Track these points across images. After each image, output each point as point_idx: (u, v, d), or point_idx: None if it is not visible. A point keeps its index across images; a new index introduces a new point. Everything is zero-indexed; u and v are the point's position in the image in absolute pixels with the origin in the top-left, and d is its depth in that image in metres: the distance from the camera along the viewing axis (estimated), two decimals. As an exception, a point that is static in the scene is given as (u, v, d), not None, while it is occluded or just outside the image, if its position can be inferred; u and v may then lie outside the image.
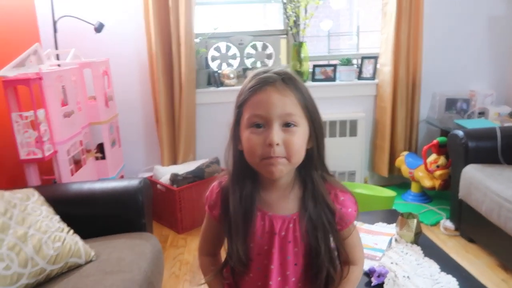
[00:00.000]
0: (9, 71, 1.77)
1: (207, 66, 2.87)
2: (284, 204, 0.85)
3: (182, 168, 2.58)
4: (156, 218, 2.55)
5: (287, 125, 0.77)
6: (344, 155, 2.86)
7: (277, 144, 0.75)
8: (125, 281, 1.22)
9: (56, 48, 2.44)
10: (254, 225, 0.83)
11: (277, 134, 0.75)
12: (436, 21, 2.79)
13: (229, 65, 2.89)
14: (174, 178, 2.43)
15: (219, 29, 2.86)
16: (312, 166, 0.84)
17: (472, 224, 2.17)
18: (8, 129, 1.77)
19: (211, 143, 2.82)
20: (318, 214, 0.82)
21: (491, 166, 2.11)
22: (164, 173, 2.55)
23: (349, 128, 2.83)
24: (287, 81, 0.78)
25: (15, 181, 1.93)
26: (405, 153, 2.78)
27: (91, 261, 1.35)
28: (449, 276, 1.32)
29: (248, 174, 0.83)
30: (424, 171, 2.60)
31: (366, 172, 3.03)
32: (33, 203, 1.36)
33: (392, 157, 2.88)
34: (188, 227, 2.50)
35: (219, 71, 2.84)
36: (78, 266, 1.31)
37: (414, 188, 2.78)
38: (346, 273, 0.89)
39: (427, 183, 2.59)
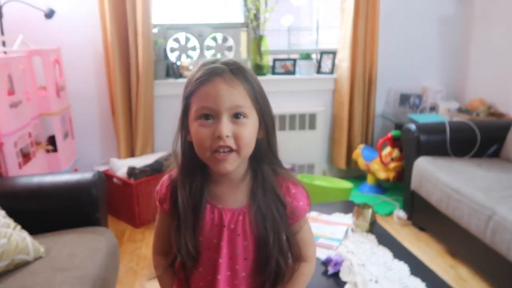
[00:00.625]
0: None
1: (166, 57, 2.80)
2: (234, 196, 0.83)
3: (140, 161, 2.51)
4: (113, 213, 2.47)
5: (236, 116, 0.75)
6: (303, 148, 2.90)
7: (227, 136, 0.74)
8: (77, 277, 1.17)
9: (2, 34, 2.29)
10: (203, 219, 0.82)
11: (226, 126, 0.73)
12: (391, 20, 2.89)
13: (188, 56, 2.84)
14: (131, 172, 2.36)
15: (178, 20, 2.80)
16: (261, 157, 0.83)
17: (423, 213, 2.27)
18: None
19: (170, 135, 2.66)
20: (268, 205, 0.81)
21: (441, 158, 2.22)
22: (121, 166, 2.48)
23: (308, 121, 2.88)
24: (236, 72, 0.76)
25: (-44, 175, 1.80)
26: (362, 146, 2.87)
27: (40, 257, 1.28)
28: (401, 263, 1.38)
29: (197, 166, 0.81)
30: (379, 164, 2.69)
31: (325, 165, 3.09)
32: (-25, 198, 1.27)
33: (350, 150, 2.96)
34: (146, 221, 2.44)
35: (178, 63, 2.78)
36: (26, 263, 1.24)
37: (370, 180, 2.87)
38: (297, 269, 0.88)
39: (382, 175, 2.69)
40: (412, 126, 2.32)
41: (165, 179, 0.87)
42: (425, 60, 3.06)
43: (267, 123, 0.81)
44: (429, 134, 2.29)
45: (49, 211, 1.50)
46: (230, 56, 2.88)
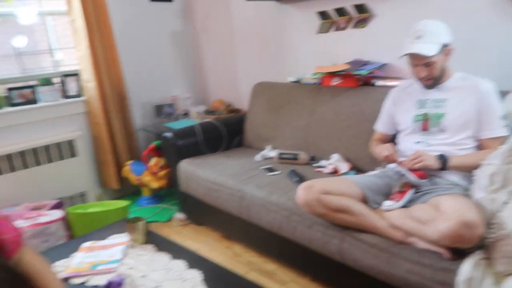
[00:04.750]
0: None
1: None
2: None
3: None
4: None
5: None
6: (69, 178, 2.71)
7: None
8: None
9: None
10: None
11: None
12: (127, 37, 2.99)
13: None
14: None
15: None
16: None
17: (196, 210, 2.50)
18: None
19: None
20: None
21: (198, 158, 2.50)
22: None
23: (66, 149, 2.69)
24: None
25: None
26: (130, 162, 2.90)
27: None
28: (180, 261, 1.51)
29: None
30: (150, 175, 2.79)
31: (98, 189, 2.97)
32: None
33: (119, 168, 2.94)
34: None
35: None
36: None
37: (145, 192, 2.94)
38: None
39: (155, 184, 2.80)
40: (169, 134, 2.51)
41: None
42: (169, 72, 3.33)
43: None
44: (184, 139, 2.53)
45: None
46: None
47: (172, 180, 2.70)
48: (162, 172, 2.77)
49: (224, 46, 3.22)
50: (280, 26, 2.74)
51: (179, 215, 2.64)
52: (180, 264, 1.49)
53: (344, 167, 2.03)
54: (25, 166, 2.56)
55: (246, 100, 2.93)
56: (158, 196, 2.99)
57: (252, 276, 1.98)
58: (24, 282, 0.82)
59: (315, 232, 1.68)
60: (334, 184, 1.62)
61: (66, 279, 1.44)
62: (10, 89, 2.60)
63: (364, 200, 1.61)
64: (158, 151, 2.78)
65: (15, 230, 0.84)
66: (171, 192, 2.99)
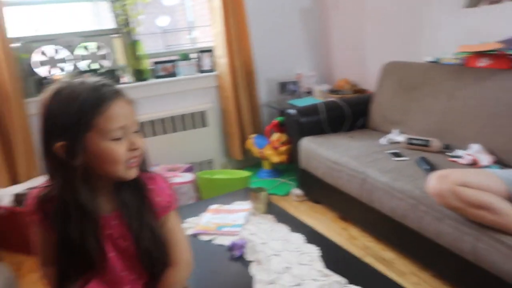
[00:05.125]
0: None
1: (34, 72, 2.59)
2: (107, 204, 0.90)
3: (26, 187, 2.30)
4: (3, 246, 2.24)
5: (136, 131, 0.86)
6: (199, 146, 2.97)
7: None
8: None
9: None
10: (90, 231, 0.86)
11: (138, 139, 0.85)
12: (258, 15, 3.07)
13: (61, 69, 2.66)
14: (19, 199, 2.17)
15: (43, 31, 2.60)
16: None
17: (314, 188, 2.51)
18: None
19: None
20: (132, 205, 0.89)
21: (320, 136, 2.48)
22: (4, 196, 2.24)
23: (199, 119, 2.94)
24: (122, 92, 0.85)
25: None
26: (253, 135, 3.03)
27: None
28: (298, 234, 1.54)
29: (76, 185, 0.83)
30: (271, 149, 2.88)
31: (223, 158, 3.20)
32: None
33: (243, 141, 3.10)
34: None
35: (50, 77, 2.60)
36: None
37: (265, 165, 3.06)
38: (165, 275, 0.94)
39: (275, 159, 2.88)
40: (292, 111, 2.54)
41: (29, 196, 0.90)
42: (295, 49, 3.35)
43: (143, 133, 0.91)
44: (307, 116, 2.53)
45: None
46: (105, 64, 2.78)
47: (292, 156, 2.75)
48: (283, 148, 2.84)
49: (353, 24, 3.09)
50: (419, 0, 2.51)
51: (297, 191, 2.69)
52: (298, 237, 1.52)
53: (485, 159, 1.80)
54: (164, 131, 2.87)
55: (372, 80, 2.79)
56: (278, 170, 3.08)
57: (368, 261, 1.92)
58: (163, 244, 0.91)
59: (445, 226, 1.53)
60: (474, 177, 1.45)
61: (195, 235, 1.59)
62: (156, 63, 2.93)
63: (510, 199, 1.41)
64: (280, 127, 2.85)
65: (169, 194, 0.93)
66: (290, 168, 3.03)
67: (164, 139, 2.86)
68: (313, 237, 1.52)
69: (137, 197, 0.89)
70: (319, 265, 1.33)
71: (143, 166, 0.92)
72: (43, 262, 0.96)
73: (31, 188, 2.22)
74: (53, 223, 0.86)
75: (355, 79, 3.13)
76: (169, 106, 2.91)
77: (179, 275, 0.96)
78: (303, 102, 2.91)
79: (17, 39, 2.49)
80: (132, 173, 0.86)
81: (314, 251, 1.42)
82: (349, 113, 2.59)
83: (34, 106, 2.50)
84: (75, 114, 0.79)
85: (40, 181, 2.34)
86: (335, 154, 2.19)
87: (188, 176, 2.53)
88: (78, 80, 0.82)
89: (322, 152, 2.28)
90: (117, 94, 0.83)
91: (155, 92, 2.88)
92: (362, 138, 2.39)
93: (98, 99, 0.79)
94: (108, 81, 0.85)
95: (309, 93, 3.19)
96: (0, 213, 2.20)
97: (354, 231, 2.21)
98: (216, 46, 2.96)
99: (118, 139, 0.82)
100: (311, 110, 2.57)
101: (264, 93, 3.25)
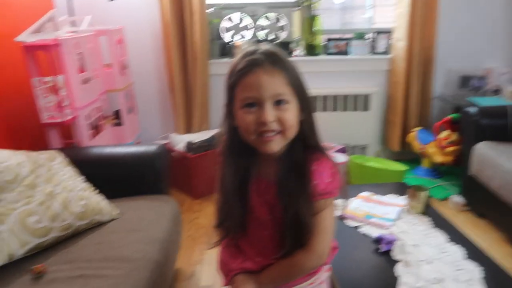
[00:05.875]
0: (28, 37, 1.80)
1: (220, 37, 2.87)
2: (271, 170, 0.89)
3: (197, 137, 2.63)
4: (172, 184, 2.63)
5: (278, 103, 0.81)
6: (356, 129, 2.89)
7: (271, 121, 0.80)
8: (147, 238, 1.29)
9: (72, 15, 2.44)
10: (249, 188, 0.89)
11: (269, 113, 0.80)
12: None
13: (242, 36, 2.88)
14: (190, 146, 2.49)
15: (233, 0, 2.84)
16: (299, 138, 0.88)
17: (482, 200, 2.19)
18: (29, 94, 1.82)
19: None
20: (290, 180, 0.86)
21: (502, 144, 2.12)
22: (179, 141, 2.61)
23: (361, 102, 2.84)
24: (275, 62, 0.81)
25: (37, 144, 1.99)
26: (417, 129, 2.79)
27: (114, 219, 1.41)
28: (457, 247, 1.37)
29: (242, 147, 0.87)
30: (436, 147, 2.62)
31: (378, 146, 3.05)
32: (58, 164, 1.42)
33: (404, 132, 2.89)
34: (203, 193, 2.57)
35: (232, 42, 2.84)
36: (103, 223, 1.38)
37: (425, 163, 2.80)
38: (293, 255, 0.90)
39: (438, 158, 2.61)
40: (472, 109, 2.22)
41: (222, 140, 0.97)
42: (490, 39, 2.88)
43: (306, 107, 0.86)
44: (490, 118, 2.18)
45: (118, 179, 1.64)
46: (282, 36, 2.89)
47: (459, 159, 2.44)
48: (451, 148, 2.54)
49: None
50: None
51: (457, 198, 2.39)
52: (456, 250, 1.35)
53: None
54: (324, 109, 2.87)
55: None
56: (437, 171, 2.79)
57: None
58: (304, 227, 0.87)
59: None
60: None
61: (341, 218, 1.57)
62: (329, 39, 2.91)
63: None
64: (453, 125, 2.54)
65: (329, 181, 0.87)
66: (453, 171, 2.73)
67: (323, 116, 2.85)
68: (475, 254, 1.34)
69: (295, 174, 0.86)
70: (479, 288, 1.16)
71: (312, 143, 0.89)
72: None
73: (204, 141, 2.53)
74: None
75: None
76: (334, 84, 2.88)
77: (308, 263, 0.91)
78: (488, 101, 2.52)
79: (211, 5, 2.77)
80: (269, 147, 0.83)
81: (474, 270, 1.25)
82: (548, 123, 2.14)
83: (216, 67, 2.79)
84: (228, 79, 0.85)
85: (207, 134, 2.65)
86: (521, 168, 1.85)
87: (341, 158, 2.50)
88: (252, 47, 0.85)
89: (504, 162, 1.95)
90: (258, 64, 0.80)
91: (323, 69, 2.88)
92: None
93: (243, 66, 0.81)
94: (269, 50, 0.83)
95: (496, 92, 2.75)
96: (174, 156, 2.56)
97: (524, 261, 1.87)
98: (396, 27, 2.77)
99: (249, 108, 0.81)
100: (496, 112, 2.21)
101: (440, 84, 2.93)
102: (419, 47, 2.72)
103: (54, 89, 1.78)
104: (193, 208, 2.47)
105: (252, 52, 0.82)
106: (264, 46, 0.84)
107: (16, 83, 1.96)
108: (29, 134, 2.02)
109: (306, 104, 0.86)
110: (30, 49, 1.75)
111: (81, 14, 2.43)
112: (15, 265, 1.18)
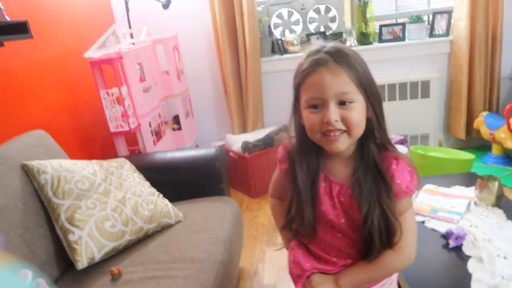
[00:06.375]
0: (94, 52, 1.93)
1: (270, 34, 2.88)
2: (343, 171, 0.88)
3: (252, 136, 2.67)
4: (230, 184, 2.70)
5: (342, 103, 0.79)
6: (416, 118, 2.76)
7: (336, 121, 0.79)
8: (211, 239, 1.34)
9: (130, 27, 2.59)
10: (318, 191, 0.89)
11: (333, 113, 0.79)
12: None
13: (292, 31, 2.87)
14: (246, 146, 2.53)
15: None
16: (369, 135, 0.86)
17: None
18: (98, 106, 1.96)
19: (278, 110, 2.87)
20: (367, 182, 0.84)
21: None
22: (235, 141, 2.67)
23: (420, 89, 2.71)
24: (339, 59, 0.79)
25: (106, 152, 2.15)
26: (485, 113, 2.61)
27: (180, 221, 1.49)
28: (534, 240, 1.27)
29: (311, 145, 0.88)
30: (507, 132, 2.43)
31: (441, 135, 2.90)
32: (126, 171, 1.52)
33: (470, 118, 2.72)
34: (261, 192, 2.61)
35: (283, 39, 2.84)
36: (169, 226, 1.46)
37: (495, 150, 2.62)
38: (381, 255, 0.88)
39: (510, 144, 2.43)
40: (549, 89, 2.04)
41: (280, 147, 0.98)
42: None
43: (374, 103, 0.83)
44: None
45: (180, 182, 1.72)
46: (333, 27, 2.83)
47: (535, 144, 2.26)
48: (524, 132, 2.35)
49: None
50: None
51: (534, 187, 2.21)
52: (535, 245, 1.26)
53: None
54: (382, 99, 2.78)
55: None
56: (509, 157, 2.60)
57: None
58: (390, 228, 0.85)
59: None
60: None
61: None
62: (382, 26, 2.80)
63: None
64: (526, 107, 2.35)
65: (410, 180, 0.85)
66: (527, 158, 2.54)
67: (380, 107, 2.77)
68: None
69: (373, 175, 0.85)
70: None
71: (382, 140, 0.87)
72: (273, 194, 1.08)
73: (260, 140, 2.57)
74: (290, 175, 0.93)
75: None
76: (391, 72, 2.78)
77: (398, 264, 0.91)
78: None
79: (259, 3, 2.79)
80: (335, 147, 0.81)
81: (558, 266, 1.15)
82: None
83: (267, 65, 2.81)
84: (293, 79, 0.85)
85: (262, 132, 2.68)
86: None
87: (402, 149, 2.40)
88: (317, 46, 0.84)
89: None
90: (321, 63, 0.79)
91: (378, 57, 2.78)
92: None
93: (306, 67, 0.80)
94: (333, 48, 0.81)
95: None
96: (232, 156, 2.63)
97: None
98: (457, 6, 2.59)
99: (313, 108, 0.81)
100: None
101: (509, 64, 2.71)
102: (483, 26, 2.53)
103: (119, 100, 1.91)
104: (252, 207, 2.52)
105: (316, 51, 0.82)
106: (330, 44, 0.83)
107: (86, 96, 2.12)
108: (99, 143, 2.18)
109: (374, 100, 0.83)
110: (97, 64, 1.89)
111: (137, 24, 2.56)
112: (94, 268, 1.28)
